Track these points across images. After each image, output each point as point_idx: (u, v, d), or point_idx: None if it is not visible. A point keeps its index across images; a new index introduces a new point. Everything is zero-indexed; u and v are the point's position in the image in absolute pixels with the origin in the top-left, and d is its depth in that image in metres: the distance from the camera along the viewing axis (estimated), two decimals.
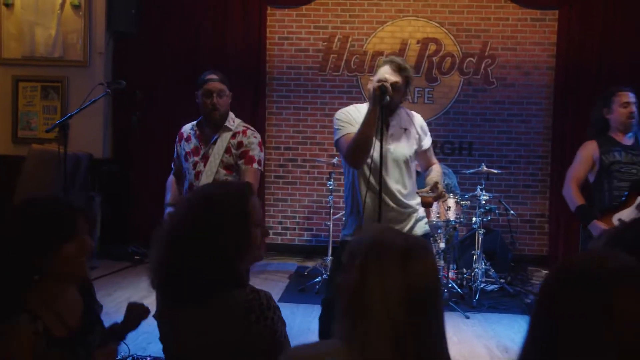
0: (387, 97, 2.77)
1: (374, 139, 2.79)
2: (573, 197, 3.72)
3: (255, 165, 3.18)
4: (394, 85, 2.85)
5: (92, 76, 6.15)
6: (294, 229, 6.70)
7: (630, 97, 3.67)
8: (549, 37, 6.33)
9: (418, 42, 6.44)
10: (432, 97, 6.45)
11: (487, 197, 5.32)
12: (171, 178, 3.49)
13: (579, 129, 6.11)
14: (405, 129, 3.01)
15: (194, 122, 3.37)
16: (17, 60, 6.17)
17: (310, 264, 6.12)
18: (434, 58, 6.44)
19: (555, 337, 1.04)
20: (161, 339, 1.71)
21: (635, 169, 3.61)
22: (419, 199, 3.04)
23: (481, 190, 5.34)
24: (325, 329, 2.95)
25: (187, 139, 3.33)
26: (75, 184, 5.87)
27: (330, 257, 5.53)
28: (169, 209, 3.29)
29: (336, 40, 6.50)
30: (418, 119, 3.10)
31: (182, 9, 6.41)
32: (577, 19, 6.16)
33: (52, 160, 5.13)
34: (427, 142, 3.10)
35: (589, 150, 3.70)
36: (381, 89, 2.75)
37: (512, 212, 5.81)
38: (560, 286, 1.08)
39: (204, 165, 3.22)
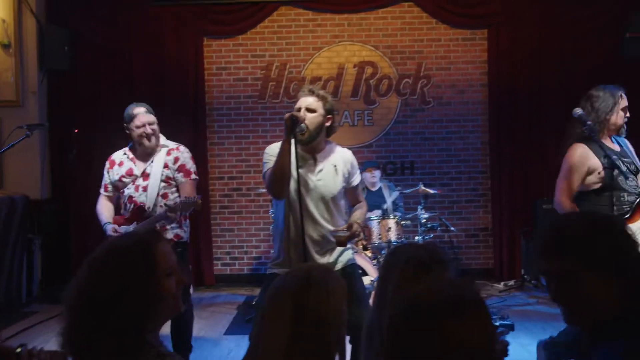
0: (302, 125, 2.83)
1: (290, 170, 2.84)
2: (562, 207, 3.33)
3: (192, 176, 3.74)
4: (310, 110, 2.92)
5: (26, 115, 6.04)
6: (243, 259, 6.65)
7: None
8: (480, 56, 6.51)
9: (355, 66, 6.54)
10: (371, 119, 6.55)
11: (427, 216, 5.43)
12: (101, 201, 3.83)
13: (515, 143, 6.34)
14: (335, 166, 3.04)
15: (125, 149, 3.81)
16: None
17: (258, 293, 6.06)
18: (371, 81, 6.54)
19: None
20: None
21: (632, 177, 3.31)
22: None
23: (421, 209, 5.45)
24: None
25: (120, 164, 3.76)
26: (11, 228, 5.70)
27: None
28: (110, 226, 3.67)
29: (274, 67, 6.55)
30: (348, 156, 3.12)
31: (116, 44, 6.37)
32: (506, 37, 6.35)
33: None
34: (356, 179, 3.14)
35: (582, 157, 3.26)
36: (292, 119, 2.80)
37: (452, 228, 5.92)
38: (400, 318, 1.21)
39: (143, 180, 3.66)
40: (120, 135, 6.09)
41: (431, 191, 5.54)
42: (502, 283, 6.29)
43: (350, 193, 3.17)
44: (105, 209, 3.81)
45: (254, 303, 5.71)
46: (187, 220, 3.83)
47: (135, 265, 1.50)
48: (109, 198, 3.86)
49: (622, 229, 1.47)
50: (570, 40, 6.29)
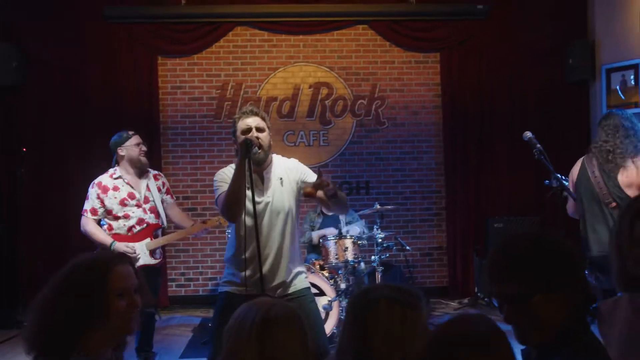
0: (256, 148, 2.85)
1: (245, 192, 2.82)
2: None
3: (174, 198, 4.46)
4: (260, 129, 2.93)
5: None
6: (198, 280, 6.56)
7: None
8: (433, 78, 6.67)
9: (310, 87, 6.61)
10: (327, 139, 6.61)
11: (383, 235, 5.44)
12: (92, 224, 4.04)
13: (468, 163, 6.50)
14: (280, 178, 3.04)
15: (112, 174, 4.10)
16: None
17: (213, 314, 5.98)
18: (326, 101, 6.62)
19: None
20: None
21: None
22: (296, 253, 3.07)
23: (377, 228, 5.46)
24: None
25: (115, 189, 4.07)
26: None
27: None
28: (121, 244, 3.96)
29: (229, 87, 6.56)
30: (291, 163, 3.12)
31: (68, 61, 6.27)
32: (457, 60, 6.54)
33: None
34: (309, 177, 3.08)
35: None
36: (247, 142, 2.81)
37: (407, 247, 5.96)
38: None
39: (145, 202, 4.12)
40: (74, 153, 6.07)
41: (389, 207, 5.65)
42: (456, 301, 6.40)
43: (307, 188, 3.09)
44: (100, 231, 4.06)
45: (209, 325, 5.63)
46: None
47: (85, 278, 1.61)
48: (96, 221, 4.09)
49: (564, 247, 1.50)
50: (518, 64, 6.52)
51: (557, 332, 1.44)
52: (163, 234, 4.34)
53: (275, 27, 6.54)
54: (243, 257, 2.96)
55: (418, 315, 1.66)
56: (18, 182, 5.78)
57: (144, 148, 4.17)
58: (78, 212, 4.16)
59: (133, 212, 4.09)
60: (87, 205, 4.06)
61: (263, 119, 3.01)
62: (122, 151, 4.09)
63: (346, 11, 6.48)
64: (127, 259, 1.76)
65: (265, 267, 2.94)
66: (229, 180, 2.93)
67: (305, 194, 2.93)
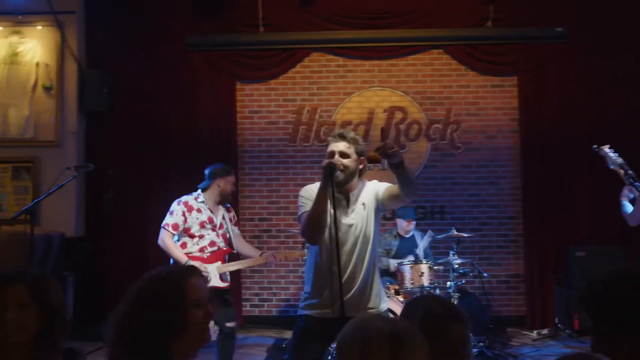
0: (338, 172, 2.94)
1: (328, 215, 2.90)
2: None
3: (239, 228, 4.83)
4: (343, 155, 3.00)
5: (65, 155, 6.30)
6: (271, 300, 6.71)
7: None
8: (510, 102, 6.66)
9: (385, 111, 6.71)
10: None
11: (460, 261, 5.45)
12: (170, 239, 4.34)
13: (546, 189, 6.39)
14: (364, 204, 3.09)
15: (197, 197, 4.46)
16: None
17: (288, 335, 6.07)
18: (400, 126, 6.69)
19: None
20: None
21: None
22: (376, 278, 3.10)
23: (453, 254, 5.47)
24: None
25: (198, 211, 4.42)
26: (47, 264, 5.89)
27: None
28: (198, 264, 4.22)
29: (305, 112, 6.75)
30: (372, 186, 3.16)
31: (153, 87, 6.62)
32: (535, 84, 6.52)
33: (22, 241, 5.15)
34: (380, 189, 3.11)
35: None
36: (330, 167, 2.89)
37: (485, 274, 5.90)
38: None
39: (220, 228, 4.49)
40: (155, 176, 6.37)
41: (464, 235, 5.61)
42: (535, 332, 6.26)
43: (388, 194, 3.11)
44: (177, 247, 4.37)
45: (284, 345, 5.81)
46: None
47: (164, 290, 1.64)
48: (172, 236, 4.39)
49: None
50: (597, 88, 6.43)
51: None
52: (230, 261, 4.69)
53: (350, 52, 6.72)
54: (322, 279, 3.03)
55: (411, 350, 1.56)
56: (106, 202, 6.17)
57: (234, 184, 4.65)
58: (157, 231, 4.40)
59: (208, 234, 4.42)
60: (170, 220, 4.36)
61: (353, 143, 3.06)
62: (220, 182, 4.47)
63: (421, 36, 6.58)
64: (199, 271, 1.81)
65: (351, 293, 3.00)
66: (314, 199, 2.99)
67: (369, 159, 3.01)
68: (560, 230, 6.38)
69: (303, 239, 6.14)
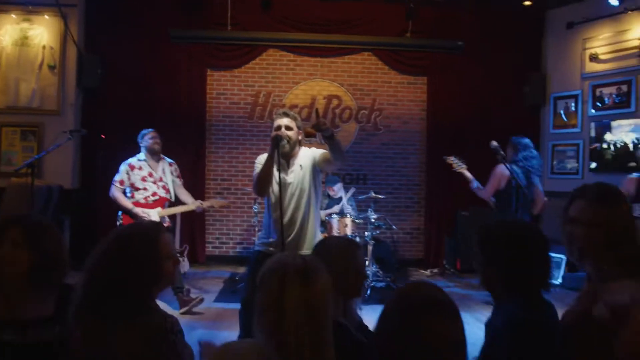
0: (284, 141, 3.36)
1: (272, 175, 3.37)
2: None
3: (181, 180, 5.62)
4: (288, 127, 3.45)
5: (64, 122, 7.23)
6: (229, 243, 8.06)
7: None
8: (421, 96, 8.15)
9: (324, 98, 8.08)
10: None
11: (376, 216, 6.73)
12: (119, 192, 5.33)
13: (445, 164, 7.64)
14: (300, 165, 3.52)
15: (139, 157, 5.41)
16: (2, 109, 7.31)
17: (241, 271, 7.31)
18: (336, 110, 8.10)
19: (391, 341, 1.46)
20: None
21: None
22: (313, 227, 3.56)
23: (371, 211, 6.72)
24: (244, 322, 3.41)
25: (140, 168, 5.33)
26: (48, 209, 6.91)
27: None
28: (139, 210, 5.16)
29: (261, 95, 8.03)
30: (310, 152, 3.58)
31: (139, 71, 7.66)
32: (439, 83, 8.00)
33: (27, 191, 5.66)
34: (317, 154, 3.54)
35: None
36: (277, 137, 3.33)
37: (394, 227, 7.40)
38: (390, 311, 1.53)
39: (160, 181, 5.35)
40: (136, 145, 7.43)
41: (380, 196, 6.87)
42: (429, 270, 7.78)
43: (322, 160, 3.49)
44: (124, 197, 5.37)
45: (237, 278, 6.77)
46: None
47: (144, 252, 1.82)
48: (121, 190, 5.39)
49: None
50: (486, 89, 7.90)
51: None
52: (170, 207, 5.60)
53: (299, 50, 7.98)
54: (274, 223, 3.46)
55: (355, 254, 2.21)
56: (97, 161, 7.13)
57: (157, 140, 5.43)
58: None
59: (150, 186, 5.31)
60: (117, 177, 5.34)
61: (293, 119, 3.49)
62: (143, 142, 5.46)
63: (355, 40, 7.83)
64: (164, 227, 1.97)
65: (292, 235, 3.46)
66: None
67: (306, 134, 3.35)
68: (452, 195, 7.79)
69: (254, 197, 6.98)
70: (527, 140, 5.60)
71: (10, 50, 7.35)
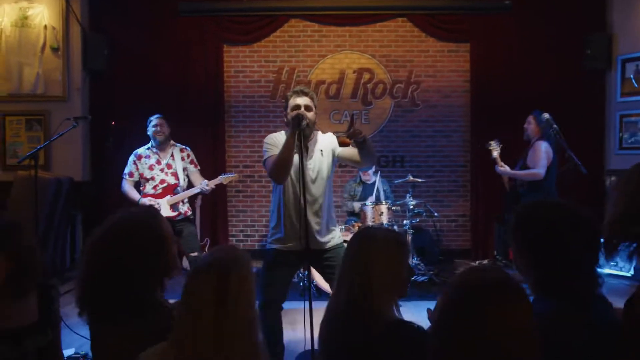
0: (304, 122, 3.15)
1: (293, 159, 3.14)
2: None
3: (198, 167, 5.23)
4: (308, 108, 3.26)
5: (71, 109, 6.84)
6: (254, 236, 7.55)
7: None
8: (463, 65, 7.39)
9: (354, 72, 7.42)
10: (368, 118, 7.46)
11: (414, 203, 6.24)
12: (128, 184, 5.13)
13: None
14: (321, 150, 3.37)
15: (148, 145, 5.15)
16: (4, 97, 6.89)
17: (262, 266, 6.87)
18: (368, 85, 7.43)
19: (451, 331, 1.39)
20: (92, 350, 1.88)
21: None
22: (332, 212, 3.45)
23: (410, 197, 6.25)
24: (265, 327, 3.32)
25: (147, 157, 5.08)
26: (58, 204, 6.50)
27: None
28: (146, 200, 4.95)
29: (284, 72, 7.43)
30: (329, 139, 3.45)
31: (148, 49, 7.18)
32: (485, 50, 7.22)
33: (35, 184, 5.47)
34: (339, 147, 3.44)
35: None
36: (298, 117, 3.14)
37: (435, 214, 6.79)
38: (453, 296, 1.44)
39: (168, 168, 5.05)
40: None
41: (419, 180, 6.38)
42: (477, 262, 7.10)
43: (345, 154, 3.41)
44: (133, 190, 5.13)
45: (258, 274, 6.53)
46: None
47: (152, 244, 1.81)
48: (132, 182, 5.15)
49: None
50: (540, 54, 7.11)
51: None
52: None
53: (324, 19, 7.32)
54: (287, 216, 3.29)
55: (407, 251, 2.03)
56: (107, 150, 6.75)
57: (159, 129, 5.09)
58: None
59: (158, 175, 5.07)
60: (126, 170, 5.15)
61: (312, 98, 3.31)
62: (148, 130, 5.16)
63: (387, 5, 7.20)
64: (157, 210, 1.99)
65: (310, 225, 3.25)
66: (279, 146, 3.18)
67: (340, 143, 3.32)
68: (501, 177, 7.09)
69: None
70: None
71: (10, 32, 6.89)
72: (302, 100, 3.29)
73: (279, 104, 7.41)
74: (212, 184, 5.12)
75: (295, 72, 7.43)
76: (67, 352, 3.81)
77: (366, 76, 7.43)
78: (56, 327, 1.89)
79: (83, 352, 3.79)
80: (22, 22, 6.86)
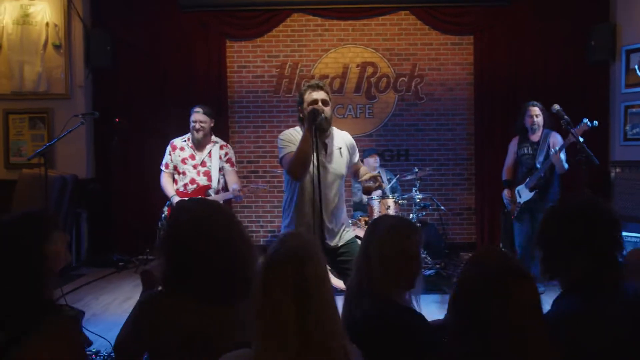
0: (321, 116, 3.13)
1: (312, 156, 3.11)
2: (503, 173, 5.74)
3: (235, 167, 4.91)
4: (325, 102, 3.25)
5: (74, 106, 6.82)
6: (259, 232, 7.51)
7: (535, 110, 5.34)
8: (467, 58, 7.33)
9: (358, 66, 7.37)
10: (372, 112, 7.43)
11: (421, 196, 6.22)
12: (165, 177, 4.81)
13: (496, 134, 7.13)
14: (340, 148, 3.36)
15: (185, 137, 4.81)
16: (7, 95, 6.86)
17: None
18: (371, 79, 7.38)
19: (469, 316, 1.44)
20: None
21: (532, 158, 5.34)
22: (344, 210, 3.50)
23: (416, 190, 6.22)
24: None
25: (181, 149, 4.75)
26: (63, 202, 6.51)
27: None
28: (177, 199, 4.59)
29: (287, 66, 7.38)
30: (348, 139, 3.47)
31: (151, 46, 7.16)
32: (488, 42, 7.17)
33: (40, 182, 5.50)
34: (356, 157, 3.52)
35: (512, 145, 5.64)
36: (314, 111, 3.11)
37: (442, 207, 6.76)
38: (471, 277, 1.51)
39: (202, 166, 4.69)
40: (154, 125, 6.96)
41: (427, 169, 6.37)
42: None
43: (354, 167, 3.54)
44: (169, 184, 4.83)
45: None
46: None
47: (26, 237, 1.79)
48: (170, 175, 4.84)
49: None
50: (543, 45, 7.07)
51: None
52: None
53: (327, 13, 7.27)
54: (302, 212, 3.28)
55: (411, 242, 2.03)
56: (112, 148, 6.77)
57: (197, 125, 4.69)
58: (156, 172, 5.02)
59: (189, 172, 4.72)
60: (163, 161, 4.86)
61: (327, 92, 3.30)
62: (190, 122, 4.78)
63: None
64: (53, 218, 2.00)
65: (327, 222, 3.26)
66: (295, 142, 3.17)
67: (364, 190, 3.38)
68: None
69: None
70: None
71: (12, 30, 6.85)
72: (318, 95, 3.25)
73: (282, 99, 7.38)
74: (246, 190, 4.89)
75: (298, 66, 7.38)
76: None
77: (370, 70, 7.39)
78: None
79: (95, 349, 3.79)
80: (24, 19, 6.83)
